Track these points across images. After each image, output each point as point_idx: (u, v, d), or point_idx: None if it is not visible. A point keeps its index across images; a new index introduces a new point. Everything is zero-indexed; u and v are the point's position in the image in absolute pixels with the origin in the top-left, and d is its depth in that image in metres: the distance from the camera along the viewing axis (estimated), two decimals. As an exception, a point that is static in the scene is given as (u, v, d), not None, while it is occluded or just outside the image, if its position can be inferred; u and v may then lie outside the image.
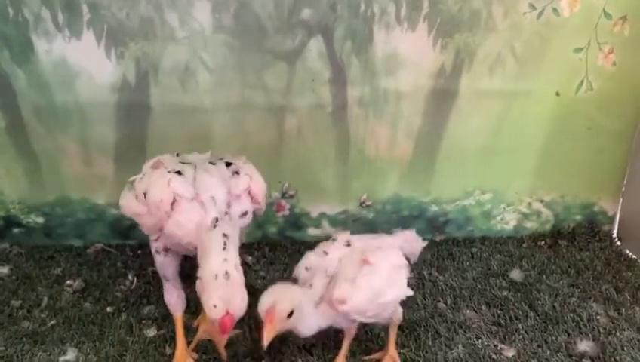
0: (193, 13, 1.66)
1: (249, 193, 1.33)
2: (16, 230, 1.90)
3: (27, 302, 1.60)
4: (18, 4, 1.62)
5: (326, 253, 1.30)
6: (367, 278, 1.22)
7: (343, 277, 1.22)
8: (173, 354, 1.39)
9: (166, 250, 1.33)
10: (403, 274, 1.31)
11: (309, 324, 1.21)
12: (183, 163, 1.33)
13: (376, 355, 1.44)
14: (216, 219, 1.22)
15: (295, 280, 1.29)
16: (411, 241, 1.41)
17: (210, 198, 1.24)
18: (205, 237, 1.20)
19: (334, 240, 1.34)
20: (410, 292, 1.32)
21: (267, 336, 1.13)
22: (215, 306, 1.10)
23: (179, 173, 1.27)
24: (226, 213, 1.26)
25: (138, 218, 1.33)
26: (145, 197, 1.28)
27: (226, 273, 1.13)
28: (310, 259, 1.32)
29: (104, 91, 1.73)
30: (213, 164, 1.35)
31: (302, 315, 1.18)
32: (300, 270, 1.31)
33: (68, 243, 1.91)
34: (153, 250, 1.35)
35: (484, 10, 1.74)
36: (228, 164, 1.36)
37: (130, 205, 1.35)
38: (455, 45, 1.78)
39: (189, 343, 1.43)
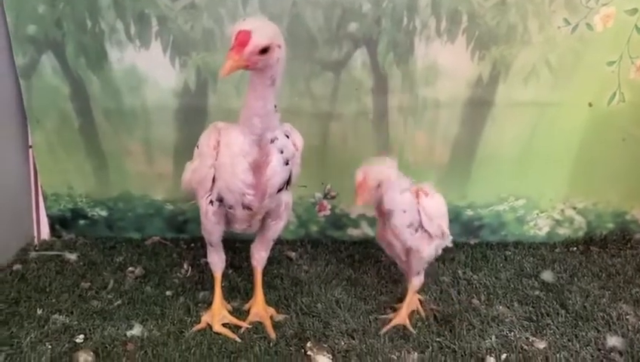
0: (250, 26, 1.82)
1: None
2: (82, 222, 2.08)
3: (95, 284, 1.76)
4: (96, 16, 1.81)
5: None
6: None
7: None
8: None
9: (220, 199, 1.44)
10: None
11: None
12: None
13: (390, 316, 1.62)
14: None
15: None
16: None
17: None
18: None
19: None
20: None
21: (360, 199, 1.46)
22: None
23: None
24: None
25: (196, 177, 1.48)
26: (198, 148, 1.48)
27: None
28: None
29: (167, 96, 1.90)
30: None
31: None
32: None
33: (128, 236, 2.08)
34: (205, 208, 1.47)
35: (520, 24, 1.85)
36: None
37: (187, 175, 1.54)
38: (492, 57, 1.89)
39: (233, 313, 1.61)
